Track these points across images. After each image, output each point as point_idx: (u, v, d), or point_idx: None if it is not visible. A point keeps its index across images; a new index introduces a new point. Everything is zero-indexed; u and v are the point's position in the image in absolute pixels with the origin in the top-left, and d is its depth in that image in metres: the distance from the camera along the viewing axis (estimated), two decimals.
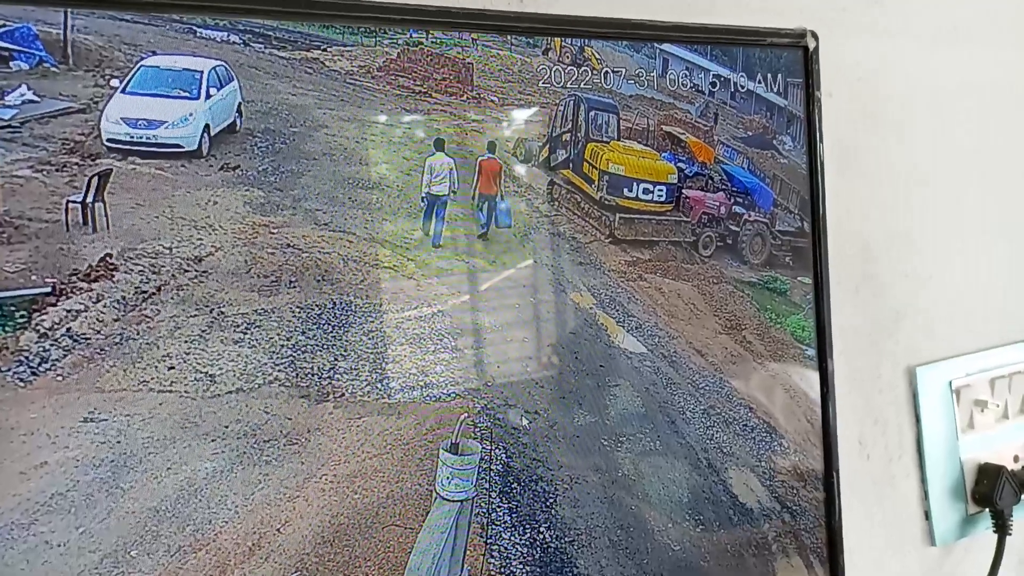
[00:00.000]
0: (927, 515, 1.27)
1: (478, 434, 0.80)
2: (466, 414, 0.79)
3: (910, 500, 1.27)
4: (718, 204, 0.92)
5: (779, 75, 0.95)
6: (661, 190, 0.89)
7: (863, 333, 1.20)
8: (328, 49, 0.74)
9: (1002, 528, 1.27)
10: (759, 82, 0.94)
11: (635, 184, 0.87)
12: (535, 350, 0.83)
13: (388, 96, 0.76)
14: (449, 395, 0.79)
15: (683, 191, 0.90)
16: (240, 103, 0.71)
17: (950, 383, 1.29)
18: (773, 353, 0.96)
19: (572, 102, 0.84)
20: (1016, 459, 1.36)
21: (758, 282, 0.94)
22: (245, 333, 0.71)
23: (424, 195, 0.77)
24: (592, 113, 0.85)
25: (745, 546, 0.92)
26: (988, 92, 1.32)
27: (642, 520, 0.87)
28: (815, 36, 0.97)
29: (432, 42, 0.78)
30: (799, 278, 0.97)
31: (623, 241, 0.87)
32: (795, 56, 0.95)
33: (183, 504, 0.68)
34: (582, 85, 0.85)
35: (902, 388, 1.27)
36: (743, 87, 0.93)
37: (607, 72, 0.86)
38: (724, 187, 0.92)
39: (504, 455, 0.81)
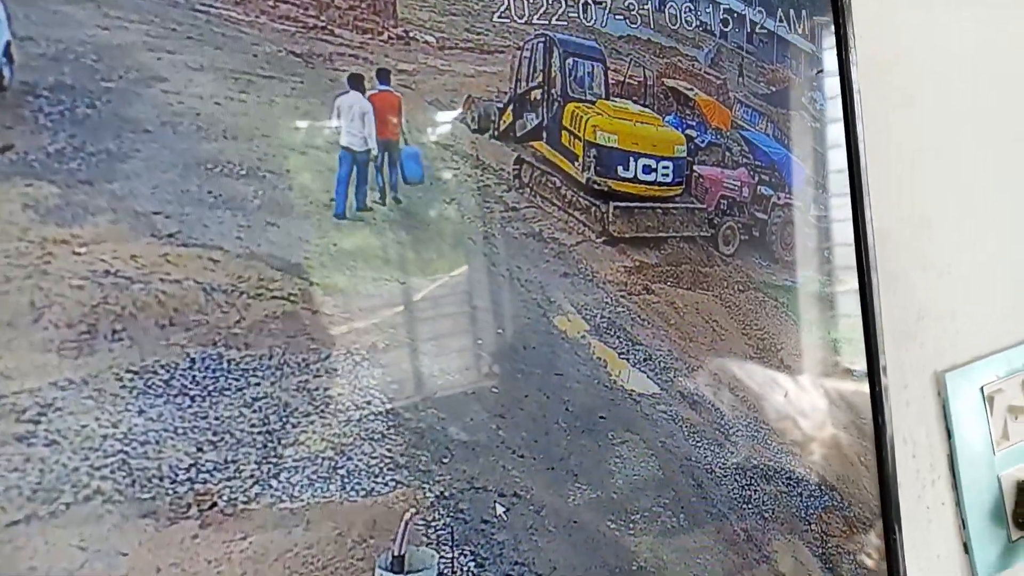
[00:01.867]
0: (966, 547, 1.08)
1: (433, 537, 0.53)
2: (413, 510, 0.53)
3: (947, 531, 1.08)
4: (739, 184, 0.68)
5: (804, 12, 0.71)
6: (667, 167, 0.64)
7: (887, 338, 1.00)
8: None
9: None
10: (780, 21, 0.70)
11: (632, 160, 0.62)
12: (510, 404, 0.57)
13: (265, 32, 0.49)
14: (386, 483, 0.52)
15: (695, 168, 0.66)
16: (8, 42, 0.43)
17: (981, 389, 1.11)
18: (817, 377, 0.72)
19: (542, 46, 0.59)
20: None
21: (793, 285, 0.71)
22: (37, 422, 0.43)
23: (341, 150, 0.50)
24: (570, 61, 0.60)
25: None
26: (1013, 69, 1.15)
27: None
28: None
29: None
30: (840, 277, 0.74)
31: (621, 240, 0.62)
32: None
33: None
34: (554, 21, 0.59)
35: (930, 398, 1.08)
36: (762, 27, 0.69)
37: (587, 3, 0.61)
38: (745, 161, 0.68)
39: (473, 564, 0.54)
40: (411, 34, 0.54)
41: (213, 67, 0.48)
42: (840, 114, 0.72)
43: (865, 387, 0.74)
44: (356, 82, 0.51)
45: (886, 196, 0.98)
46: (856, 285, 0.73)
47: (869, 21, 0.79)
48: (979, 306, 1.13)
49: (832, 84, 0.72)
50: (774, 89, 0.69)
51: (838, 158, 0.73)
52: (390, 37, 0.53)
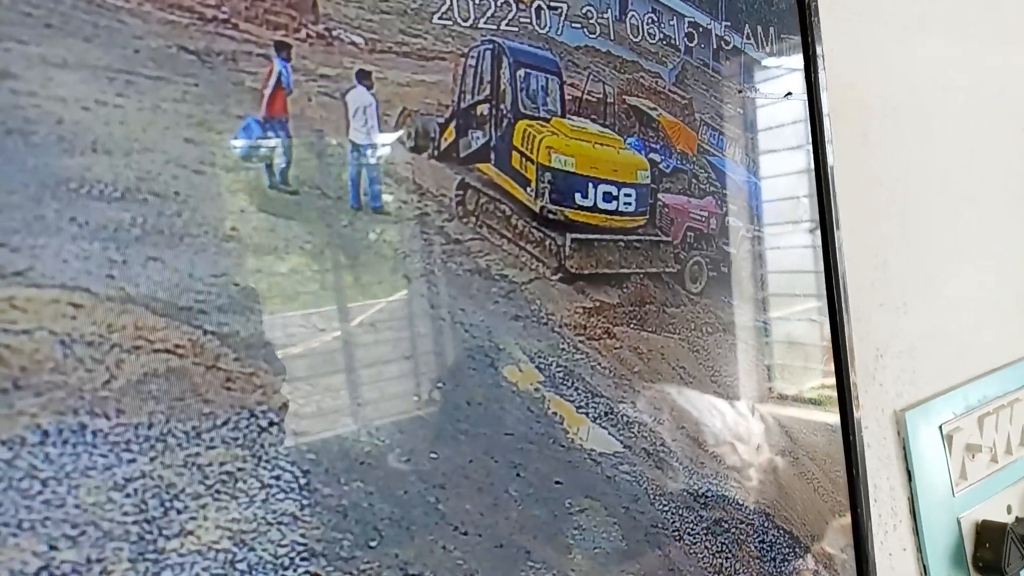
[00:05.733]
0: None
1: None
2: None
3: None
4: (707, 215, 0.61)
5: (771, 29, 0.66)
6: (629, 195, 0.56)
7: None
8: None
9: None
10: (747, 37, 0.64)
11: (591, 186, 0.54)
12: (451, 472, 0.48)
13: (151, 23, 0.40)
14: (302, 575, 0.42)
15: (659, 196, 0.58)
16: None
17: (940, 428, 1.07)
18: (791, 428, 0.65)
19: (489, 53, 0.51)
20: (1009, 509, 1.16)
21: (764, 325, 0.64)
22: None
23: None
24: (521, 72, 0.52)
25: None
26: (967, 109, 1.14)
27: None
28: None
29: None
30: (812, 317, 0.68)
31: (579, 277, 0.54)
32: (788, 4, 0.67)
33: None
34: (503, 26, 0.51)
35: (891, 440, 1.04)
36: (727, 43, 0.63)
37: (540, 7, 0.53)
38: (713, 189, 0.62)
39: None
40: (334, 32, 0.45)
41: (81, 63, 0.38)
42: (809, 140, 0.66)
43: (839, 437, 0.68)
44: (363, 77, 0.44)
45: (844, 237, 0.95)
46: (828, 326, 0.67)
47: (838, 43, 0.74)
48: (936, 344, 1.10)
49: (799, 105, 0.66)
50: (740, 111, 0.63)
51: (804, 186, 0.68)
52: (308, 35, 0.44)
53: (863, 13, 0.93)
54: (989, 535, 1.08)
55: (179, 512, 0.39)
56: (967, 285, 1.16)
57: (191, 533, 0.39)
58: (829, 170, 0.65)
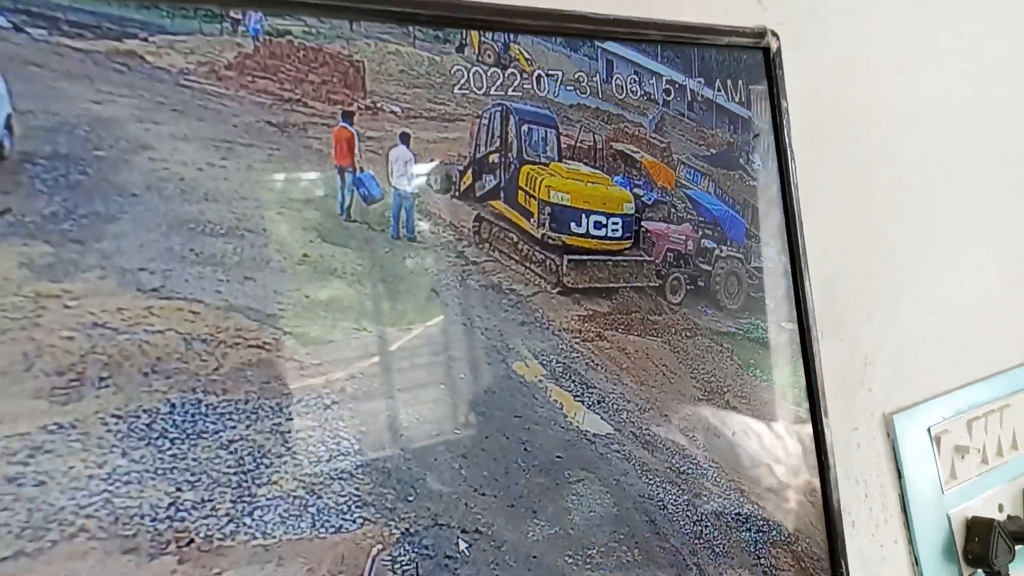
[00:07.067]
0: None
1: (399, 572, 0.56)
2: (380, 546, 0.56)
3: (901, 569, 1.12)
4: (684, 238, 0.73)
5: (740, 81, 0.78)
6: (616, 223, 0.69)
7: (835, 383, 1.06)
8: (150, 39, 0.51)
9: None
10: (719, 89, 0.77)
11: (584, 217, 0.67)
12: (472, 445, 0.60)
13: (244, 105, 0.54)
14: (354, 520, 0.55)
15: (642, 224, 0.71)
16: (9, 115, 0.47)
17: (929, 430, 1.16)
18: (762, 418, 0.77)
19: (499, 113, 0.65)
20: (1000, 508, 1.23)
21: (737, 331, 0.76)
22: (27, 464, 0.46)
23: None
24: (525, 127, 0.65)
25: None
26: (946, 119, 1.24)
27: None
28: (776, 36, 0.81)
29: (304, 32, 0.56)
30: (781, 323, 0.80)
31: (575, 290, 0.67)
32: (755, 59, 0.79)
33: None
34: (510, 92, 0.65)
35: (880, 440, 1.13)
36: (701, 95, 0.76)
37: (540, 76, 0.67)
38: (690, 217, 0.74)
39: None
40: (378, 104, 0.59)
41: (196, 136, 0.52)
42: (777, 175, 0.79)
43: (809, 428, 0.79)
44: (404, 138, 0.59)
45: (831, 247, 1.05)
46: (797, 330, 0.78)
47: (801, 88, 0.86)
48: (924, 352, 1.19)
49: (767, 146, 0.78)
50: (714, 151, 0.76)
51: (777, 214, 0.80)
52: (359, 107, 0.58)
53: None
54: (978, 530, 1.15)
55: (267, 467, 0.52)
56: (957, 296, 1.24)
57: (275, 483, 0.53)
58: (794, 200, 0.77)
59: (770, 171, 0.79)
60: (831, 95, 1.07)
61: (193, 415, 0.50)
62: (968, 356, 1.26)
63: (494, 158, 0.64)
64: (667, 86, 0.74)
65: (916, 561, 1.12)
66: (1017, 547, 1.16)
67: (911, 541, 1.12)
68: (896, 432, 1.12)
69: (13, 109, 0.47)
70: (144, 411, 0.49)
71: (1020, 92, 1.38)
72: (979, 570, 1.15)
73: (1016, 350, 1.31)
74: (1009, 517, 1.22)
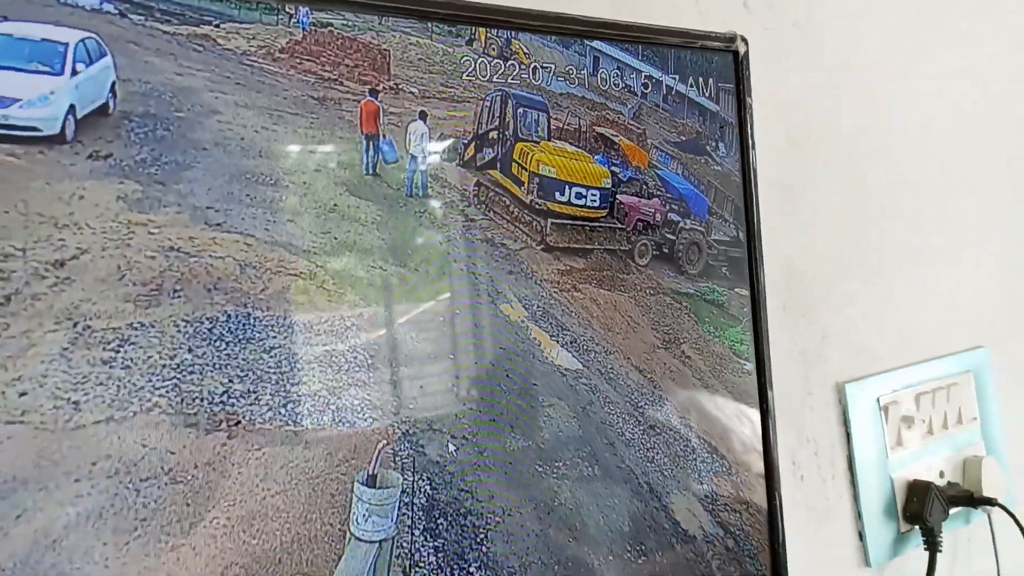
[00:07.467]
0: (861, 536, 1.26)
1: (399, 464, 0.70)
2: (385, 441, 0.70)
3: (844, 521, 1.25)
4: (653, 211, 0.86)
5: (711, 79, 0.91)
6: (595, 195, 0.82)
7: (792, 352, 1.19)
8: (221, 25, 0.65)
9: (933, 545, 1.26)
10: (691, 86, 0.89)
11: (567, 188, 0.81)
12: (463, 367, 0.74)
13: (292, 82, 0.67)
14: (365, 419, 0.69)
15: (617, 196, 0.84)
16: (114, 82, 0.61)
17: (878, 400, 1.29)
18: (712, 368, 0.90)
19: (499, 98, 0.78)
20: (942, 475, 1.36)
21: (695, 293, 0.89)
22: (117, 352, 0.60)
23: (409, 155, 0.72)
24: (521, 110, 0.79)
25: (689, 575, 0.86)
26: (915, 119, 1.35)
27: (581, 554, 0.79)
28: (745, 41, 0.94)
29: (343, 24, 0.69)
30: (735, 289, 0.93)
31: (556, 248, 0.80)
32: (725, 61, 0.92)
33: (36, 560, 0.56)
34: (509, 80, 0.78)
35: (832, 406, 1.26)
36: (675, 90, 0.88)
37: (536, 67, 0.80)
38: (659, 193, 0.87)
39: (428, 487, 0.71)
40: (400, 86, 0.72)
41: (254, 105, 0.66)
42: (739, 162, 0.92)
43: (753, 379, 0.92)
44: (423, 115, 0.73)
45: (796, 234, 1.18)
46: (749, 296, 0.92)
47: (764, 88, 0.99)
48: (879, 332, 1.31)
49: (732, 136, 0.91)
50: (684, 138, 0.89)
51: (737, 196, 0.93)
52: (384, 87, 0.71)
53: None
54: (917, 491, 1.28)
55: (299, 371, 0.66)
56: (916, 282, 1.36)
57: (305, 384, 0.66)
58: (754, 176, 0.90)
59: (733, 159, 0.92)
60: (817, 96, 1.19)
61: (244, 324, 0.64)
62: (921, 339, 1.37)
63: (493, 135, 0.77)
64: (645, 80, 0.86)
65: (859, 516, 1.25)
66: (952, 509, 1.30)
67: (855, 498, 1.25)
68: (847, 399, 1.24)
69: (117, 77, 0.61)
70: (207, 318, 0.63)
71: (1017, 89, 1.49)
72: (915, 526, 1.27)
73: (965, 335, 1.43)
74: (949, 483, 1.35)
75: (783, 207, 1.11)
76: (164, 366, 0.61)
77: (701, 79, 0.90)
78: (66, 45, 0.59)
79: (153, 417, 0.61)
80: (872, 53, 1.29)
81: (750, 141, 0.92)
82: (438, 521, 0.71)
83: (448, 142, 0.75)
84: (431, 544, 0.71)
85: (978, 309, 1.46)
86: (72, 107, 0.59)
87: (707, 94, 0.90)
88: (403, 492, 0.70)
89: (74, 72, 0.60)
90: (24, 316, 0.56)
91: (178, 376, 0.62)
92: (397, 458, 0.70)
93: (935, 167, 1.40)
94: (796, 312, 1.18)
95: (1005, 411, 1.46)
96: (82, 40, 0.60)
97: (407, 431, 0.71)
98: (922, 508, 1.27)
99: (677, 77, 0.88)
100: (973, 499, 1.32)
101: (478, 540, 0.73)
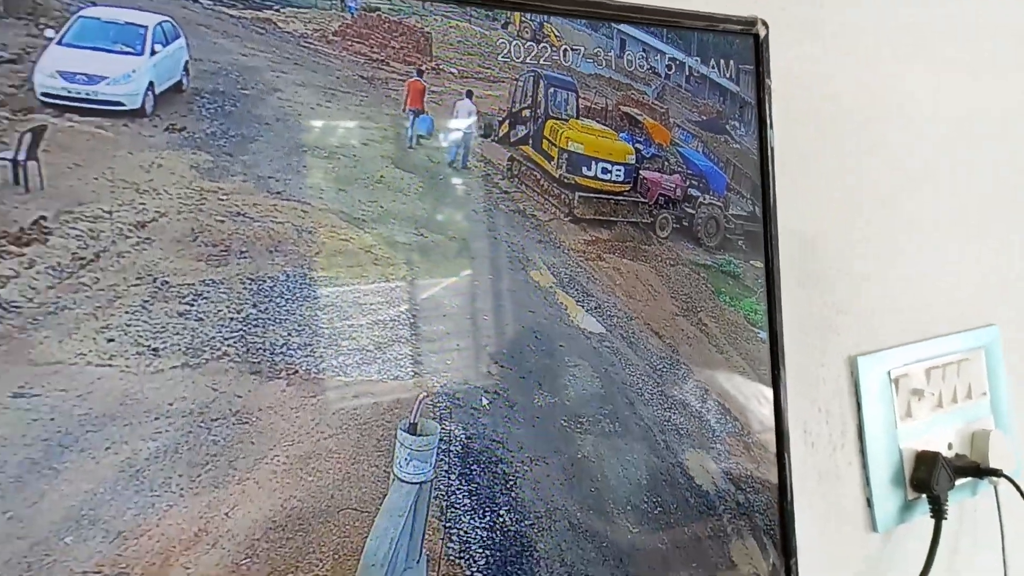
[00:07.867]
0: (869, 502, 1.31)
1: (437, 414, 0.77)
2: (425, 393, 0.77)
3: (853, 488, 1.30)
4: (674, 186, 0.92)
5: (731, 61, 0.96)
6: (619, 170, 0.88)
7: (807, 326, 1.23)
8: (281, 10, 0.71)
9: (938, 513, 1.31)
10: (712, 67, 0.95)
11: (594, 163, 0.86)
12: (495, 328, 0.81)
13: (344, 62, 0.74)
14: (408, 374, 0.76)
15: (641, 172, 0.90)
16: (187, 61, 0.67)
17: (889, 373, 1.33)
18: (727, 335, 0.96)
19: (532, 78, 0.83)
20: (950, 446, 1.40)
21: (713, 265, 0.95)
22: (191, 305, 0.67)
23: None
24: (551, 90, 0.84)
25: (701, 528, 0.92)
26: (929, 98, 1.38)
27: (601, 502, 0.85)
28: (765, 24, 0.99)
29: (389, 9, 0.75)
30: (751, 262, 0.98)
31: (582, 220, 0.86)
32: (746, 43, 0.97)
33: (123, 487, 0.63)
34: (541, 61, 0.84)
35: (844, 378, 1.30)
36: (697, 71, 0.93)
37: (566, 50, 0.85)
38: (680, 169, 0.93)
39: (463, 436, 0.78)
40: (441, 67, 0.78)
41: (311, 84, 0.72)
42: (757, 139, 0.97)
43: (767, 347, 0.98)
44: (470, 95, 0.79)
45: (812, 210, 1.23)
46: (764, 269, 0.97)
47: (783, 67, 1.03)
48: (893, 309, 1.35)
49: (751, 116, 0.96)
50: (704, 118, 0.94)
51: (754, 173, 0.98)
52: (427, 68, 0.77)
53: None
54: (925, 460, 1.33)
55: (350, 327, 0.73)
56: (929, 260, 1.40)
57: (354, 339, 0.73)
58: (770, 154, 0.95)
59: (751, 137, 0.97)
60: (827, 77, 1.23)
61: (301, 284, 0.71)
62: (933, 316, 1.41)
63: (526, 113, 0.83)
64: (669, 62, 0.92)
65: (867, 482, 1.29)
66: (959, 480, 1.35)
67: (864, 465, 1.30)
68: (859, 371, 1.29)
69: (189, 57, 0.68)
70: (268, 277, 0.70)
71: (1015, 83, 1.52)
72: (922, 495, 1.32)
73: (977, 313, 1.47)
74: (957, 455, 1.39)
75: (798, 184, 1.16)
76: (232, 319, 0.68)
77: (723, 60, 0.95)
78: (146, 28, 0.66)
79: (223, 364, 0.68)
80: (889, 31, 1.33)
81: (768, 120, 0.97)
82: (472, 467, 0.78)
83: (485, 120, 0.81)
84: (465, 488, 0.78)
85: (991, 288, 1.49)
86: (151, 84, 0.66)
87: (728, 75, 0.95)
88: (441, 440, 0.77)
89: (153, 52, 0.66)
90: (111, 271, 0.64)
91: (244, 328, 0.69)
92: (436, 409, 0.77)
93: (950, 146, 1.43)
94: (811, 287, 1.23)
95: (1015, 388, 1.50)
96: (159, 23, 0.66)
97: (444, 384, 0.78)
98: (929, 477, 1.32)
99: (699, 59, 0.93)
100: (980, 470, 1.36)
101: (508, 486, 0.80)
